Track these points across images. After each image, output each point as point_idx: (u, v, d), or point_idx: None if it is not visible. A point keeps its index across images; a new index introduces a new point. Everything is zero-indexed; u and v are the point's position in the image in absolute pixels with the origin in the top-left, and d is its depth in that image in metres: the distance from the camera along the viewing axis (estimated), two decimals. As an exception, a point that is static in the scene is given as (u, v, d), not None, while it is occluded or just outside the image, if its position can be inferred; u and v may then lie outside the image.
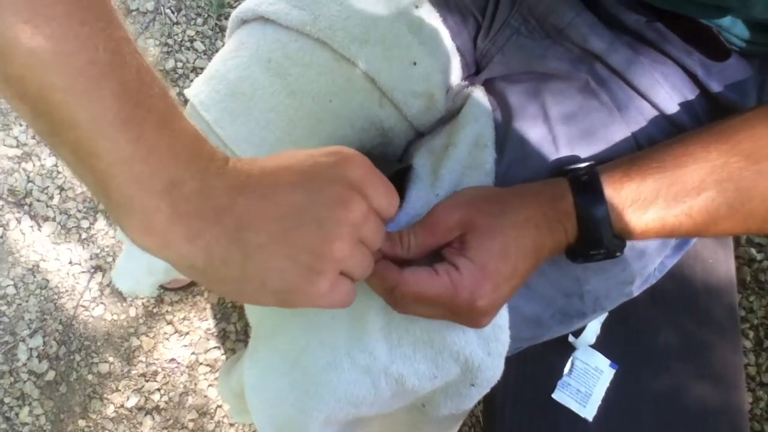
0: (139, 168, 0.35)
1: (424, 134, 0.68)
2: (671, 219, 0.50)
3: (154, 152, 0.35)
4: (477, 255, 0.49)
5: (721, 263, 0.94)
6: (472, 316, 0.50)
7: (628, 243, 0.54)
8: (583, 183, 0.52)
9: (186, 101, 0.65)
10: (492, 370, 0.57)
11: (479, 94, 0.63)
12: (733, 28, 0.56)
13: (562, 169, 0.56)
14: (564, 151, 0.58)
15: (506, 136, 0.60)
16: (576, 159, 0.58)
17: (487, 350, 0.56)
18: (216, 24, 1.56)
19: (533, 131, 0.59)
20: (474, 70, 0.70)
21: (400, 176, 0.61)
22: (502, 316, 0.56)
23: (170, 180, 0.36)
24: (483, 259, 0.49)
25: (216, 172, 0.38)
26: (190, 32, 1.54)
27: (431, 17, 0.65)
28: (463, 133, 0.60)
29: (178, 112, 0.38)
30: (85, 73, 0.32)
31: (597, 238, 0.51)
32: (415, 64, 0.62)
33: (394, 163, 0.62)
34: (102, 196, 0.36)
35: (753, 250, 1.49)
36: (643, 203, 0.50)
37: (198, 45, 1.54)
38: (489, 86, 0.66)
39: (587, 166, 0.55)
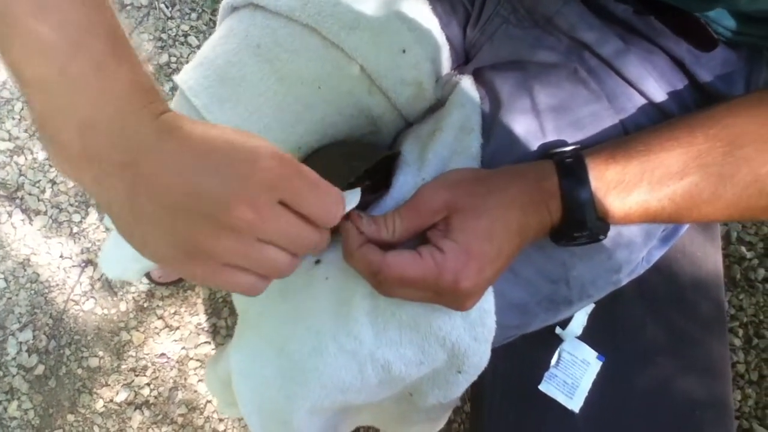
0: (60, 101, 0.37)
1: (412, 123, 0.68)
2: (654, 203, 0.50)
3: (79, 89, 0.37)
4: (461, 236, 0.49)
5: (708, 258, 0.94)
6: (457, 298, 0.50)
7: (614, 230, 0.55)
8: (568, 165, 0.52)
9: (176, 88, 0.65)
10: (479, 356, 0.57)
11: (467, 82, 0.64)
12: (721, 19, 0.56)
13: (548, 152, 0.56)
14: (551, 138, 0.59)
15: (493, 124, 0.60)
16: (563, 143, 0.58)
17: (473, 335, 0.56)
18: (210, 19, 1.56)
19: (521, 121, 0.60)
20: (463, 60, 0.70)
21: (388, 163, 0.61)
22: (488, 301, 0.56)
23: (87, 118, 0.37)
24: (467, 240, 0.49)
25: (139, 122, 0.39)
26: (184, 27, 1.54)
27: (421, 6, 0.65)
28: (449, 119, 0.60)
29: (125, 56, 0.39)
30: (26, 6, 0.35)
31: (581, 219, 0.51)
32: (404, 51, 0.63)
33: (383, 149, 0.63)
34: (33, 122, 0.38)
35: (743, 249, 1.50)
36: (627, 186, 0.50)
37: (192, 40, 1.54)
38: (478, 76, 0.66)
39: (572, 149, 0.55)
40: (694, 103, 0.61)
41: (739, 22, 0.56)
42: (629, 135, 0.56)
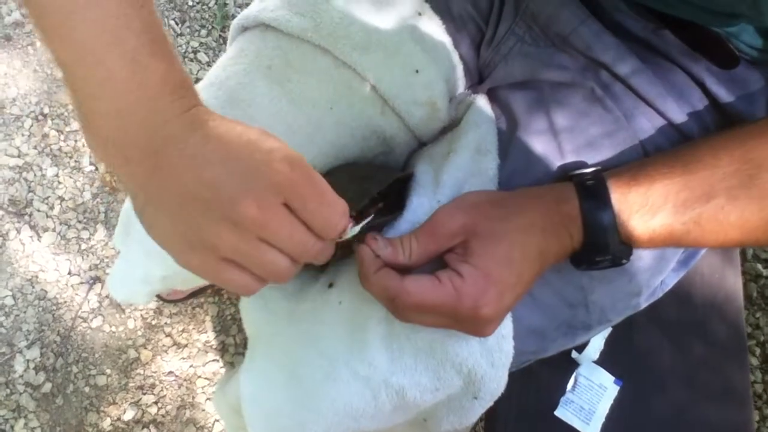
0: (95, 89, 0.40)
1: (426, 144, 0.67)
2: (679, 226, 0.49)
3: (112, 80, 0.40)
4: (481, 261, 0.48)
5: (727, 280, 0.92)
6: (477, 325, 0.49)
7: (633, 254, 0.53)
8: (589, 187, 0.51)
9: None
10: (495, 382, 0.56)
11: (482, 102, 0.63)
12: (743, 36, 0.55)
13: (567, 174, 0.55)
14: (569, 159, 0.57)
15: (509, 144, 0.59)
16: (581, 164, 0.57)
17: (490, 361, 0.55)
18: (220, 36, 1.56)
19: (538, 141, 0.59)
20: (477, 79, 0.69)
21: (401, 184, 0.60)
22: (506, 327, 0.55)
23: (120, 107, 0.40)
24: (487, 265, 0.48)
25: (167, 114, 0.41)
26: (194, 44, 1.54)
27: (434, 25, 0.64)
28: (464, 140, 0.59)
29: (159, 51, 0.41)
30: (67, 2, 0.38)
31: (603, 243, 0.50)
32: (417, 72, 0.62)
33: (396, 171, 0.61)
34: (71, 102, 0.42)
35: (759, 266, 1.48)
36: (650, 209, 0.49)
37: (201, 56, 1.54)
38: (492, 95, 0.65)
39: (593, 171, 0.54)
40: (714, 123, 0.59)
41: (765, 40, 0.54)
42: (650, 157, 0.55)
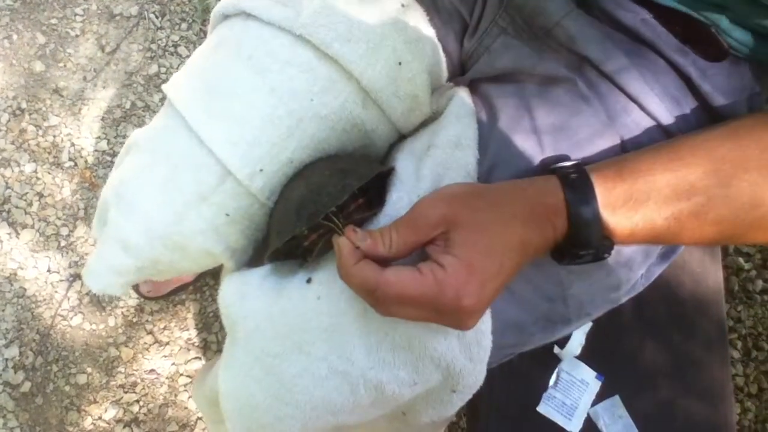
0: None
1: (407, 136, 0.67)
2: (660, 222, 0.49)
3: None
4: (462, 252, 0.47)
5: (709, 274, 0.93)
6: (458, 317, 0.48)
7: (614, 248, 0.53)
8: (573, 180, 0.50)
9: (164, 97, 0.63)
10: (474, 376, 0.56)
11: (463, 94, 0.62)
12: (734, 32, 0.55)
13: (549, 167, 0.55)
14: (549, 154, 0.57)
15: (490, 138, 0.59)
16: (562, 158, 0.56)
17: (468, 356, 0.54)
18: (201, 29, 1.54)
19: (518, 135, 0.58)
20: (460, 71, 0.69)
21: (382, 179, 0.60)
22: (485, 321, 0.55)
23: None
24: (469, 256, 0.47)
25: None
26: (174, 37, 1.52)
27: (418, 16, 0.63)
28: (444, 134, 0.58)
29: None
30: None
31: (586, 237, 0.50)
32: (400, 64, 0.61)
33: (376, 165, 0.61)
34: None
35: (741, 260, 1.49)
36: (634, 204, 0.49)
37: (182, 50, 1.52)
38: (474, 87, 0.65)
39: (574, 163, 0.53)
40: (697, 119, 0.59)
41: (755, 37, 0.55)
42: (632, 153, 0.55)
